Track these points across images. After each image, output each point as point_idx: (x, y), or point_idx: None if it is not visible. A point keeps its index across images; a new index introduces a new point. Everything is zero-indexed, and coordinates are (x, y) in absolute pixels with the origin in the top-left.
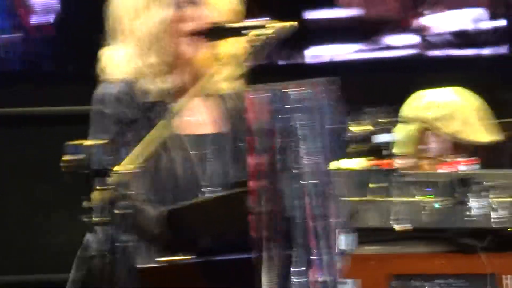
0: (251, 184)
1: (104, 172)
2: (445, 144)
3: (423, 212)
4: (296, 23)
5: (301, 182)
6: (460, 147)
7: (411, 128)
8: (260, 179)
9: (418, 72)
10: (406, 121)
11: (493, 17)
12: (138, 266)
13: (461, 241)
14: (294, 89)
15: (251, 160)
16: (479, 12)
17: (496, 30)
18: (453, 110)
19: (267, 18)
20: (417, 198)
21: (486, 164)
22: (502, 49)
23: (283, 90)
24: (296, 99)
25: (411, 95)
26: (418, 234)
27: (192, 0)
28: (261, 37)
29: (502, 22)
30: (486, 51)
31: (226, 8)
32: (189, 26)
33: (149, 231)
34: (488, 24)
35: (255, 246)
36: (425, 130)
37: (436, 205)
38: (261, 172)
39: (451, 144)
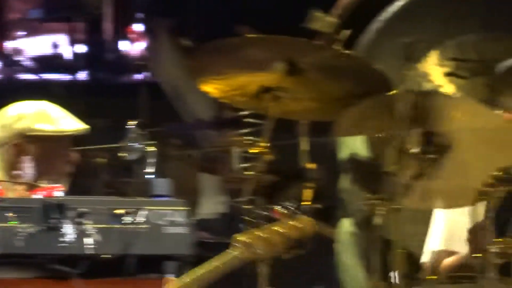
0: None
1: None
2: (38, 168)
3: (15, 237)
4: None
5: None
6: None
7: (2, 151)
8: None
9: (8, 95)
10: None
11: (75, 43)
12: None
13: (54, 267)
14: None
15: None
16: (63, 38)
17: (77, 55)
18: (37, 110)
19: None
20: (10, 223)
21: (78, 190)
22: (84, 75)
23: None
24: None
25: None
26: (10, 260)
27: None
28: None
29: (83, 48)
30: (72, 76)
31: None
32: None
33: None
34: (72, 50)
35: None
36: (18, 152)
37: (29, 231)
38: None
39: (41, 167)
